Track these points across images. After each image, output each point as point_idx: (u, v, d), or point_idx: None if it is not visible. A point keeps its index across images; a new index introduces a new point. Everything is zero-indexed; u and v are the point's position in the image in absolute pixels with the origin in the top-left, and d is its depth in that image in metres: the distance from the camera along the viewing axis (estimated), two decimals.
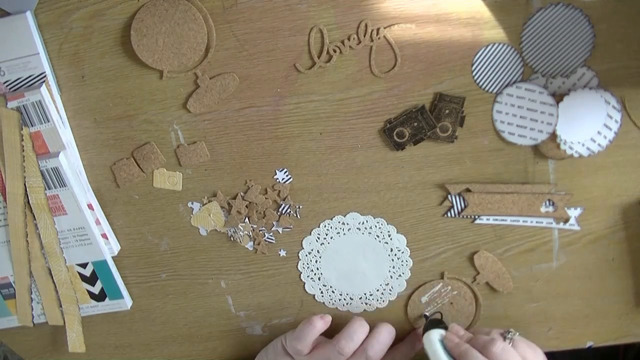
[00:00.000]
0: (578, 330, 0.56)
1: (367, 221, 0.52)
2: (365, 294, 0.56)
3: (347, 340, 0.50)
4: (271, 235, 0.53)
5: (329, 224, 0.53)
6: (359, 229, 0.53)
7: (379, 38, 0.45)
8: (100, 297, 0.55)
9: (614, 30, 0.44)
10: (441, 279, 0.55)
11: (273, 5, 0.45)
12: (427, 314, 0.55)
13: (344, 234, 0.53)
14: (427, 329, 0.51)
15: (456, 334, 0.50)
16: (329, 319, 0.53)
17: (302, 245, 0.54)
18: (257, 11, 0.45)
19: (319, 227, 0.53)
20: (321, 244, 0.53)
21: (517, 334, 0.48)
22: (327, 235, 0.53)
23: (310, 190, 0.51)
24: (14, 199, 0.49)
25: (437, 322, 0.52)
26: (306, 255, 0.54)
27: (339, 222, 0.52)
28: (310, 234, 0.53)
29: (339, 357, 0.50)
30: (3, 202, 0.50)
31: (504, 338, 0.47)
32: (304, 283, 0.56)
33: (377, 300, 0.56)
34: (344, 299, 0.56)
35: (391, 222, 0.52)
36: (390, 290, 0.55)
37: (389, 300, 0.56)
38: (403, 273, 0.54)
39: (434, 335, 0.49)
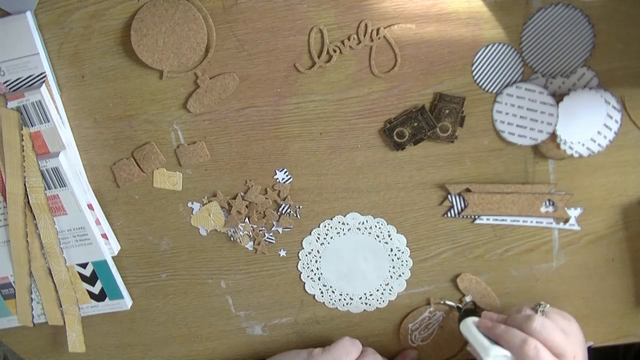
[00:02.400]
0: None
1: (367, 221, 0.52)
2: (365, 294, 0.56)
3: None
4: (271, 235, 0.53)
5: (329, 224, 0.53)
6: (359, 229, 0.53)
7: (379, 38, 0.45)
8: (100, 297, 0.55)
9: (614, 30, 0.44)
10: (428, 304, 0.55)
11: (273, 5, 0.45)
12: (460, 305, 0.55)
13: (344, 234, 0.53)
14: (462, 318, 0.50)
15: (490, 319, 0.50)
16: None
17: (302, 245, 0.54)
18: (257, 11, 0.45)
19: (319, 227, 0.53)
20: (321, 244, 0.53)
21: (548, 305, 0.48)
22: (327, 235, 0.53)
23: (310, 190, 0.51)
24: (14, 199, 0.49)
25: (470, 312, 0.52)
26: (306, 255, 0.54)
27: (339, 222, 0.52)
28: (310, 233, 0.53)
29: None
30: (3, 202, 0.50)
31: (536, 313, 0.47)
32: (304, 283, 0.56)
33: (377, 300, 0.56)
34: (344, 299, 0.56)
35: (391, 222, 0.52)
36: (390, 290, 0.55)
37: (389, 300, 0.56)
38: (403, 273, 0.54)
39: (469, 321, 0.49)
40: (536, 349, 0.44)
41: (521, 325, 0.46)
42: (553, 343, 0.45)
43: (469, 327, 0.49)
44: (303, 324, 0.58)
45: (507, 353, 0.45)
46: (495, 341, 0.47)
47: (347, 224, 0.52)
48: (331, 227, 0.53)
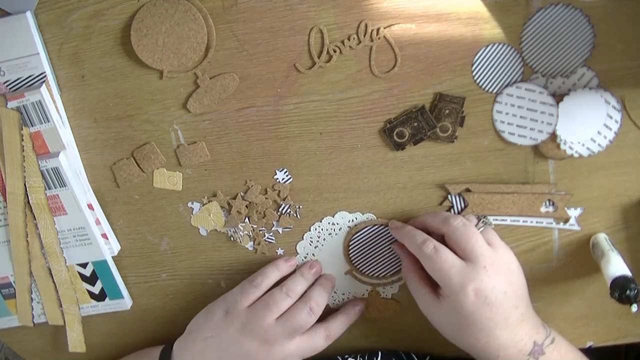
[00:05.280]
0: (578, 330, 0.56)
1: (356, 218, 0.52)
2: (367, 291, 0.56)
3: (294, 282, 0.50)
4: (271, 235, 0.53)
5: (319, 226, 0.52)
6: (349, 227, 0.52)
7: (379, 38, 0.45)
8: (100, 297, 0.55)
9: (614, 30, 0.44)
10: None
11: (273, 5, 0.45)
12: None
13: (336, 234, 0.53)
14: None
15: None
16: (294, 261, 0.53)
17: (297, 250, 0.53)
18: (257, 11, 0.45)
19: (309, 230, 0.53)
20: (315, 247, 0.53)
21: (493, 223, 0.46)
22: (319, 237, 0.53)
23: (310, 190, 0.51)
24: (14, 199, 0.49)
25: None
26: (304, 258, 0.54)
27: (329, 223, 0.52)
28: (303, 238, 0.53)
29: (285, 299, 0.49)
30: (3, 202, 0.50)
31: (478, 221, 0.45)
32: None
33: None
34: (347, 298, 0.56)
35: None
36: (391, 288, 0.55)
37: (392, 294, 0.56)
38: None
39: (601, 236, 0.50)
40: (435, 249, 0.42)
41: (444, 220, 0.44)
42: (466, 245, 0.42)
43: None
44: None
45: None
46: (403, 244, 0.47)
47: (337, 223, 0.52)
48: (322, 229, 0.52)
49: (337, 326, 0.52)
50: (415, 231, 0.46)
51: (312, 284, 0.52)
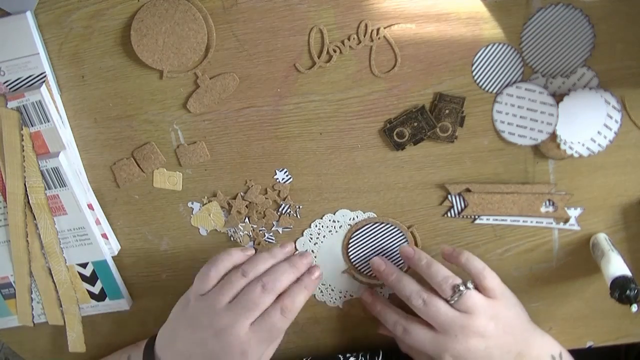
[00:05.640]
0: (578, 330, 0.56)
1: (357, 217, 0.52)
2: None
3: (272, 279, 0.44)
4: (271, 235, 0.53)
5: (319, 223, 0.52)
6: (350, 225, 0.52)
7: (379, 38, 0.45)
8: (100, 297, 0.55)
9: (614, 30, 0.44)
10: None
11: (273, 5, 0.45)
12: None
13: (336, 231, 0.53)
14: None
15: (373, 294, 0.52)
16: (251, 252, 0.48)
17: (296, 248, 0.53)
18: (257, 11, 0.45)
19: (310, 227, 0.53)
20: (314, 244, 0.53)
21: (472, 288, 0.45)
22: (319, 234, 0.53)
23: (310, 190, 0.51)
24: (14, 199, 0.49)
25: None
26: None
27: (330, 220, 0.52)
28: (303, 234, 0.53)
29: (239, 279, 0.44)
30: (3, 202, 0.50)
31: (454, 292, 0.44)
32: None
33: None
34: (345, 297, 0.56)
35: None
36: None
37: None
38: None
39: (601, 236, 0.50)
40: (405, 330, 0.46)
41: (405, 300, 0.47)
42: (433, 322, 0.45)
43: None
44: (303, 324, 0.58)
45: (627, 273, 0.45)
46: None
47: (338, 221, 0.52)
48: (323, 226, 0.52)
49: (291, 297, 0.44)
50: (387, 309, 0.50)
51: None
